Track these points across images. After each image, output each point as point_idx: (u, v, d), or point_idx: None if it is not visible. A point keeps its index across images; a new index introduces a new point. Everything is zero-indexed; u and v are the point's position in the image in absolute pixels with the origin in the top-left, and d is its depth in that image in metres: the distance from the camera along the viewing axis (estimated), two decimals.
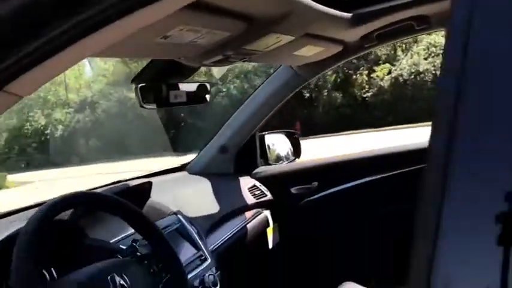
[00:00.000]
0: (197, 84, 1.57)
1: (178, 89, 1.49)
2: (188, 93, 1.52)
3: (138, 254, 1.10)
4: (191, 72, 1.53)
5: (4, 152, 18.78)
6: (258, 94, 2.03)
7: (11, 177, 14.39)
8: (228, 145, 2.07)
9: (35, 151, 18.61)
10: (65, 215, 1.22)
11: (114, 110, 17.71)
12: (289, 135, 2.36)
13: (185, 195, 1.72)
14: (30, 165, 18.08)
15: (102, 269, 1.01)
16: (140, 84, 1.40)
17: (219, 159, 2.08)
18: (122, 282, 0.99)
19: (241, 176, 2.08)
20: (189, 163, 2.15)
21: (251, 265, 1.92)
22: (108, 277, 0.98)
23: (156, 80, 1.43)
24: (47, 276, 0.99)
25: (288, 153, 2.31)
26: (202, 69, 1.56)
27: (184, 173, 2.08)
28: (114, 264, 1.05)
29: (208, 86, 1.61)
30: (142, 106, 1.43)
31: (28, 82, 0.68)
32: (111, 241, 1.26)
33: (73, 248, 1.19)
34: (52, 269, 1.01)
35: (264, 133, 2.19)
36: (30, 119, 18.93)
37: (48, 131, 18.50)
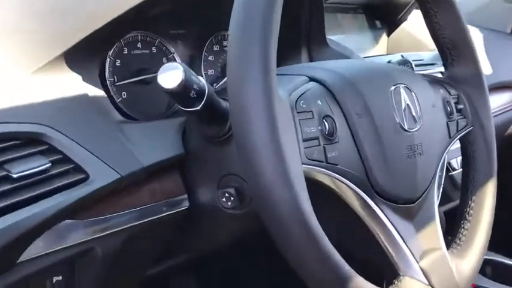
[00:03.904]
0: None
1: None
2: None
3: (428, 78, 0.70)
4: None
5: None
6: None
7: None
8: None
9: None
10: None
11: None
12: None
13: None
14: None
15: (381, 72, 0.64)
16: None
17: (499, 7, 1.45)
18: (408, 102, 0.61)
19: None
20: None
21: None
22: (392, 87, 0.61)
23: None
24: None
25: None
26: None
27: None
28: (399, 71, 0.67)
29: None
30: None
31: None
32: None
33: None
34: None
35: None
36: None
37: None
